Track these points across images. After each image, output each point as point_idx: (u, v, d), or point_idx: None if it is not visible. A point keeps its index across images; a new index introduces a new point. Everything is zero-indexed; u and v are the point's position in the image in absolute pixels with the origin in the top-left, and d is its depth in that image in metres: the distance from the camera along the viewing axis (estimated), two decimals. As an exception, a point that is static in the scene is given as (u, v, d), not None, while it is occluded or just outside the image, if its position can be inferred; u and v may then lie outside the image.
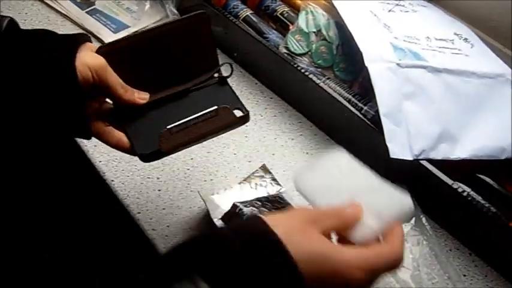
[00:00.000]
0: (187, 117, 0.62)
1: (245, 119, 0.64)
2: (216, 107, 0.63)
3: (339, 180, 0.55)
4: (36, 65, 0.55)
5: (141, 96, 0.63)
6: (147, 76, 0.63)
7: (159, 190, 0.81)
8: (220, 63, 0.68)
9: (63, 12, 1.07)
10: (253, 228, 0.45)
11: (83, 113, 0.59)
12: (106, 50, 0.59)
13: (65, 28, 1.04)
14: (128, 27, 1.03)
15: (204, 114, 0.63)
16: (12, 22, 0.58)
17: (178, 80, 0.65)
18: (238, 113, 0.64)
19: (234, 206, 0.70)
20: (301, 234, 0.46)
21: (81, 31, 1.03)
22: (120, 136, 0.62)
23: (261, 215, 0.47)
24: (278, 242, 0.43)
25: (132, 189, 0.80)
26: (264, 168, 0.79)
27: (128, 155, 0.63)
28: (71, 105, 0.57)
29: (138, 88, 0.63)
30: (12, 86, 0.54)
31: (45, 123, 0.57)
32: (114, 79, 0.59)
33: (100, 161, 0.83)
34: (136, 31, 0.63)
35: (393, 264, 0.48)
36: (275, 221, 0.46)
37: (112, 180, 0.81)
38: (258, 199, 0.72)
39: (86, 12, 1.06)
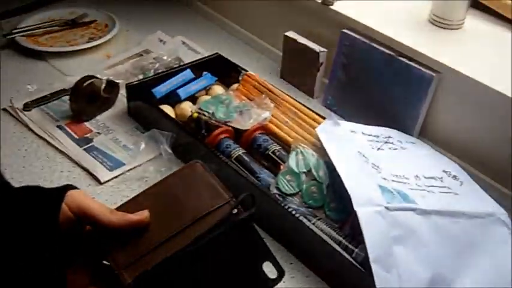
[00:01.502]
0: None
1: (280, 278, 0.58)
2: None
3: None
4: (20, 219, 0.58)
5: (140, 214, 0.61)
6: (157, 231, 0.60)
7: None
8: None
9: (62, 149, 1.10)
10: None
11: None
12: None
13: (62, 165, 1.07)
14: (123, 164, 1.06)
15: None
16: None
17: (191, 229, 0.59)
18: (269, 271, 0.56)
19: None
20: None
21: (78, 168, 1.06)
22: None
23: None
24: None
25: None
26: None
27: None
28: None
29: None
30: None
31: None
32: (97, 206, 0.61)
33: None
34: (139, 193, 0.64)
35: None
36: None
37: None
38: None
39: (84, 149, 1.09)
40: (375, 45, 1.12)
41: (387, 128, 1.07)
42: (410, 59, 1.07)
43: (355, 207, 0.79)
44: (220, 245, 0.58)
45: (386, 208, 0.81)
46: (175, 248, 0.58)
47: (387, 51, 1.10)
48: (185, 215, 0.60)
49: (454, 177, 0.96)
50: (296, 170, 0.93)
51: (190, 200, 0.61)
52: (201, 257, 0.58)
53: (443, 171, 0.97)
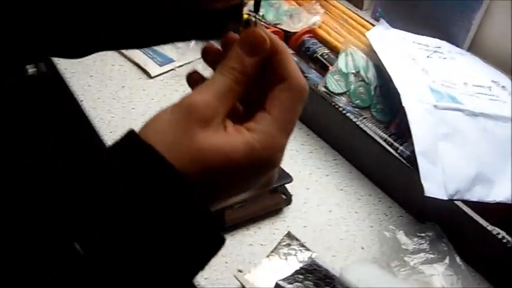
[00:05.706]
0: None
1: (289, 201, 0.83)
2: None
3: None
4: None
5: None
6: None
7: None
8: None
9: (112, 45, 1.12)
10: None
11: None
12: None
13: (113, 59, 1.09)
14: (173, 61, 1.08)
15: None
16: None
17: None
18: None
19: (277, 285, 0.71)
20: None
21: (129, 63, 1.08)
22: None
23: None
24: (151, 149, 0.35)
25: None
26: (289, 236, 0.80)
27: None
28: None
29: None
30: None
31: None
32: None
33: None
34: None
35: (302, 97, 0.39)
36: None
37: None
38: (298, 272, 0.72)
39: (134, 46, 1.12)
40: (431, -47, 1.10)
41: (437, 39, 1.06)
42: (467, -32, 1.05)
43: (404, 104, 0.80)
44: None
45: (435, 106, 0.82)
46: None
47: (443, -40, 1.08)
48: None
49: (503, 87, 0.96)
50: (345, 70, 0.93)
51: None
52: None
53: (492, 81, 0.97)
